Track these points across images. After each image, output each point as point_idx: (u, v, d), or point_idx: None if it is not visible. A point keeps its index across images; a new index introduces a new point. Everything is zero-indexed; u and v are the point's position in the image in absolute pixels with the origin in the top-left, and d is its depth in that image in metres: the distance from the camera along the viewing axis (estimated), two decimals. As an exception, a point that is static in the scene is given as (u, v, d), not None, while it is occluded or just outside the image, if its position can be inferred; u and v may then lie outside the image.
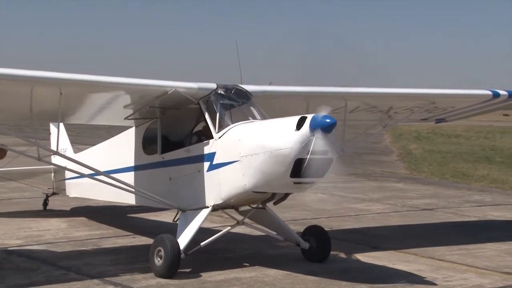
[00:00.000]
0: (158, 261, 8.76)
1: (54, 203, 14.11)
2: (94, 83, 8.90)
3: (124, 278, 8.76)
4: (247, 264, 9.49)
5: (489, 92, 11.47)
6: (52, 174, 13.46)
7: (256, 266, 9.42)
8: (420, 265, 9.89)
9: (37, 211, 13.73)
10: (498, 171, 24.04)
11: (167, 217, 12.88)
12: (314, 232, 9.87)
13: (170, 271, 8.66)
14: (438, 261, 10.23)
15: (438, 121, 13.07)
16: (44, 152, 9.74)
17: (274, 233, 9.98)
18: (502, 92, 11.58)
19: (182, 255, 8.77)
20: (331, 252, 9.87)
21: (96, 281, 8.64)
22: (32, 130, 9.71)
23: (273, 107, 9.82)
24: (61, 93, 8.74)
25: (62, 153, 12.07)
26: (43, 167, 12.63)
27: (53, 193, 13.66)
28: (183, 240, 8.92)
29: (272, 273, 9.09)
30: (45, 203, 13.95)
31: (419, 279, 9.08)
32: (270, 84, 10.27)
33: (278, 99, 10.26)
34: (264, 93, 9.91)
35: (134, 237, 11.50)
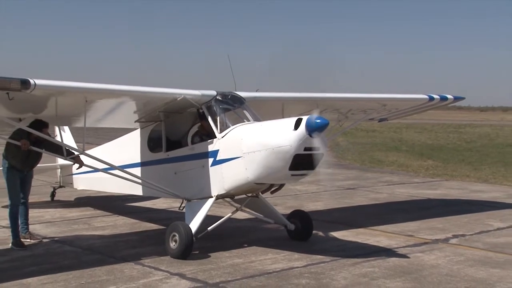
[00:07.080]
0: (174, 245, 8.15)
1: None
2: (118, 92, 8.27)
3: (108, 249, 8.65)
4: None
5: (426, 96, 11.56)
6: (58, 170, 12.62)
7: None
8: (344, 231, 10.06)
9: (46, 202, 12.79)
10: (404, 158, 24.57)
11: (145, 203, 12.80)
12: (298, 216, 9.48)
13: (185, 254, 8.06)
14: (358, 228, 10.42)
15: (381, 120, 12.80)
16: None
17: (264, 217, 9.45)
18: (435, 96, 11.67)
19: (194, 239, 8.20)
20: (271, 225, 9.66)
21: (86, 251, 8.53)
22: (59, 132, 9.39)
23: (258, 109, 9.45)
24: (86, 101, 8.16)
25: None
26: (54, 164, 12.09)
27: (60, 186, 12.76)
28: (194, 226, 8.33)
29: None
30: (53, 194, 13.06)
31: (344, 242, 9.28)
32: (256, 90, 9.90)
33: (265, 103, 9.91)
34: (255, 98, 9.56)
35: (117, 216, 11.35)
